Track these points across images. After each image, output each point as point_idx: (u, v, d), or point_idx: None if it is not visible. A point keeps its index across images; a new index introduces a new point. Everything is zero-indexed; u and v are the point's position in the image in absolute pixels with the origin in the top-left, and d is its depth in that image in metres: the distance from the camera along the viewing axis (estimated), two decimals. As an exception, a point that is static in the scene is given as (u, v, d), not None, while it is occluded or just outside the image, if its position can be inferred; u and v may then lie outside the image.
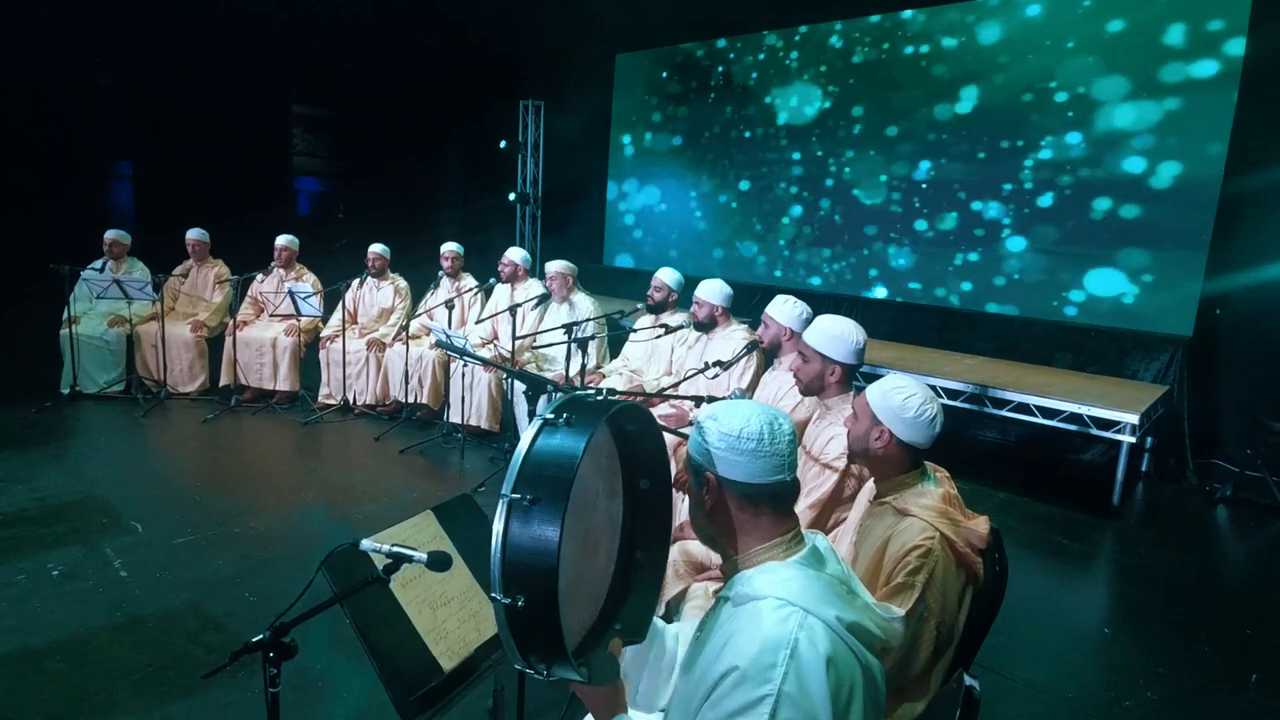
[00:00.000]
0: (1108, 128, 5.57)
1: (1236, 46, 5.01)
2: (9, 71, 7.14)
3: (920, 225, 6.63)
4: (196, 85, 8.38)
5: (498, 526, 1.07)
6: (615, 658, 1.27)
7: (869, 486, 1.97)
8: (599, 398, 1.23)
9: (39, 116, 7.53)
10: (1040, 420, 4.72)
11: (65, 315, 5.71)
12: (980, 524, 1.74)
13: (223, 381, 5.94)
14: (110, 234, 5.95)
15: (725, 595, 1.23)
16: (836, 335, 2.51)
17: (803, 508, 2.39)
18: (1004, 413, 4.87)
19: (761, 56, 7.71)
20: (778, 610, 1.12)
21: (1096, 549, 4.25)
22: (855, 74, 7.01)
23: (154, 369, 5.92)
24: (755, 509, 1.22)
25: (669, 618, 2.21)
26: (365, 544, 1.50)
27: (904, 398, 1.78)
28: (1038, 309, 5.99)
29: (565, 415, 1.14)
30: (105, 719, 2.41)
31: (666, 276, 4.59)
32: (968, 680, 1.30)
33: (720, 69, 8.08)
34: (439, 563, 1.48)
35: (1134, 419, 4.38)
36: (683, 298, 4.57)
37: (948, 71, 6.39)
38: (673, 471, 1.45)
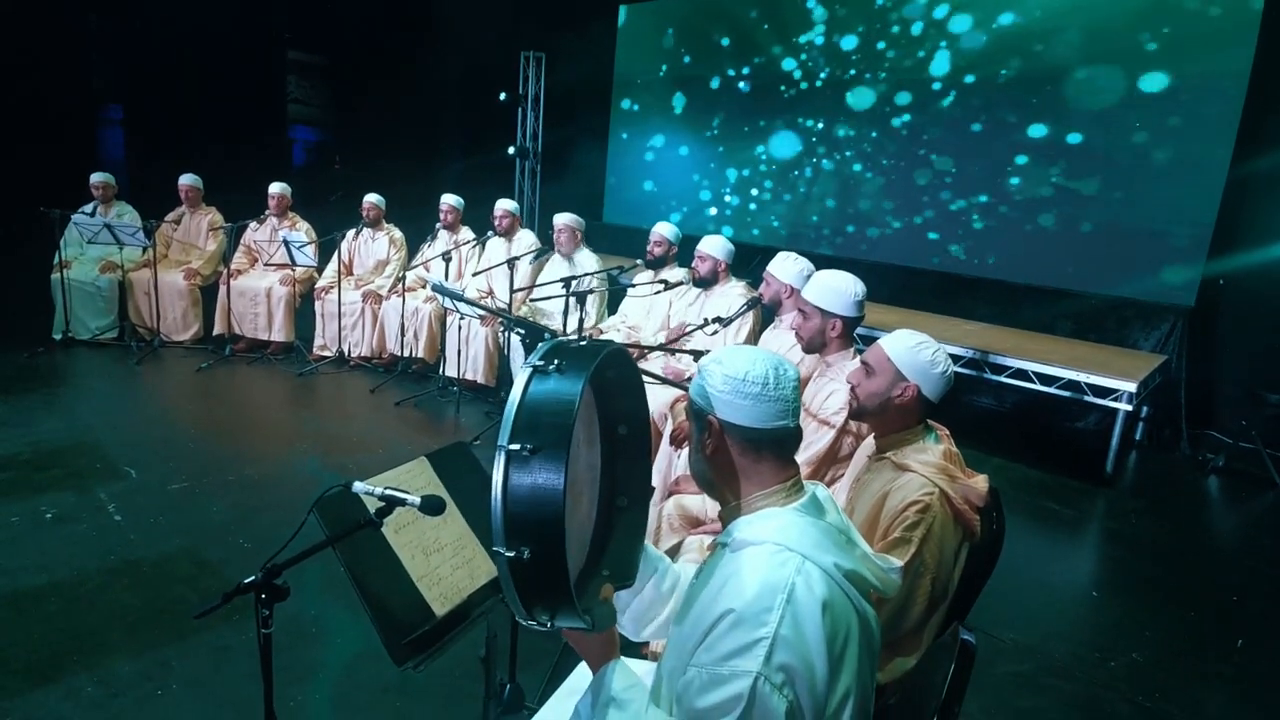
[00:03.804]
0: (1119, 103, 5.45)
1: (1252, 21, 4.88)
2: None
3: (928, 189, 6.53)
4: (188, 28, 8.17)
5: (497, 478, 1.04)
6: (611, 603, 1.27)
7: (868, 442, 1.96)
8: (583, 343, 1.19)
9: (28, 59, 7.34)
10: (1038, 387, 4.72)
11: (56, 260, 5.63)
12: (979, 482, 1.73)
13: (216, 330, 5.88)
14: (96, 177, 5.84)
15: (723, 541, 1.22)
16: (834, 288, 2.47)
17: (799, 463, 2.38)
18: (1002, 379, 4.86)
19: (768, 10, 7.50)
20: (776, 555, 1.11)
21: (1088, 515, 4.28)
22: (866, 30, 6.83)
23: (147, 316, 5.85)
24: (757, 454, 1.20)
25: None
26: (358, 486, 1.48)
27: (931, 353, 1.78)
28: (1039, 276, 5.93)
29: (556, 361, 1.11)
30: (99, 660, 2.42)
31: (665, 230, 4.54)
32: (963, 634, 1.30)
33: (726, 22, 7.87)
34: (432, 507, 1.47)
35: (1131, 387, 4.37)
36: (682, 254, 4.52)
37: (966, 39, 6.21)
38: (653, 417, 1.44)
